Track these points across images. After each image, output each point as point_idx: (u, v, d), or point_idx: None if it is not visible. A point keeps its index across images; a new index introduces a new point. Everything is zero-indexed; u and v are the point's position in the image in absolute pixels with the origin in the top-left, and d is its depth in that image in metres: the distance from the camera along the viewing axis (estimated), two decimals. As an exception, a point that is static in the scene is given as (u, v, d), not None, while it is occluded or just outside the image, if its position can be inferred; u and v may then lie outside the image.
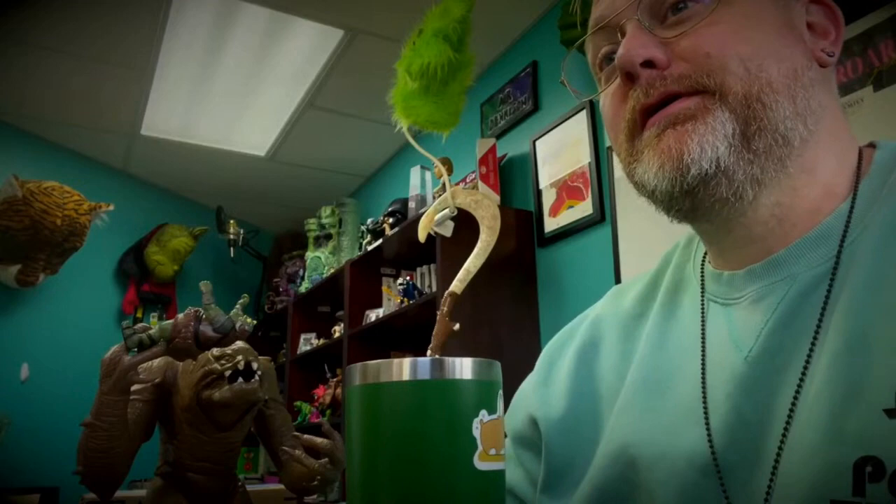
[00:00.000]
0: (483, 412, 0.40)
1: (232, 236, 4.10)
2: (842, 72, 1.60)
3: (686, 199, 0.50)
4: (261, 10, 2.63)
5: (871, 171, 0.52)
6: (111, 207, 3.36)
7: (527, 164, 2.64)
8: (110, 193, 3.59)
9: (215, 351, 1.09)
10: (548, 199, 2.50)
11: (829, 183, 0.52)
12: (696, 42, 0.50)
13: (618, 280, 2.12)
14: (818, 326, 0.47)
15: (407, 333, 3.02)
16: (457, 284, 0.49)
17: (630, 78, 0.51)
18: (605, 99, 0.56)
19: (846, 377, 0.43)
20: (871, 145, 0.54)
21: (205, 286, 1.08)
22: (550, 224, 2.47)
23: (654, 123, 0.51)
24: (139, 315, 4.06)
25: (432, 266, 2.85)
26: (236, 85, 3.17)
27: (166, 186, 4.25)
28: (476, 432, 0.39)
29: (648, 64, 0.50)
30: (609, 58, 0.56)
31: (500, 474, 0.41)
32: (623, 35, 0.53)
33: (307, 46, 2.88)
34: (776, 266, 0.51)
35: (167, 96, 3.26)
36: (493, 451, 0.40)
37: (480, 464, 0.39)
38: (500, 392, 0.42)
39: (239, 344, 1.11)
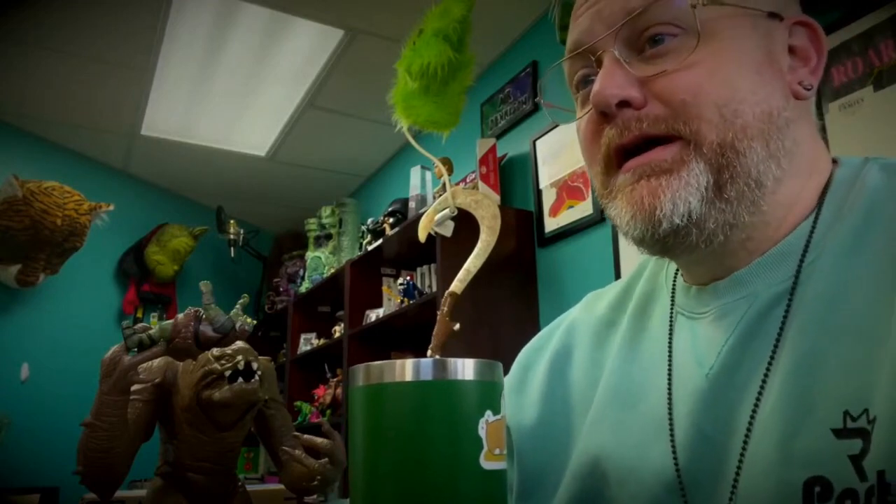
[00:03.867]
0: (488, 412, 0.40)
1: (232, 236, 4.10)
2: (842, 72, 1.60)
3: (656, 245, 0.51)
4: (261, 10, 2.62)
5: (833, 189, 0.52)
6: (111, 207, 3.36)
7: (527, 164, 2.64)
8: (110, 193, 3.59)
9: (215, 351, 1.09)
10: (548, 198, 2.50)
11: (800, 206, 0.52)
12: (673, 84, 0.48)
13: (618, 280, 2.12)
14: (775, 346, 0.47)
15: (407, 333, 3.01)
16: (457, 284, 0.49)
17: (605, 116, 0.51)
18: (581, 125, 0.55)
19: (797, 397, 0.44)
20: (833, 161, 0.54)
21: (205, 286, 1.08)
22: (550, 224, 2.47)
23: (631, 170, 0.50)
24: (139, 315, 4.06)
25: (432, 266, 2.85)
26: (236, 85, 3.17)
27: (166, 186, 4.24)
28: (482, 432, 0.39)
29: (624, 103, 0.49)
30: (585, 79, 0.55)
31: (503, 474, 0.41)
32: (599, 65, 0.52)
33: (307, 46, 2.88)
34: (738, 284, 0.52)
35: (167, 96, 3.26)
36: (497, 451, 0.40)
37: (486, 463, 0.39)
38: (503, 392, 0.43)
39: (239, 344, 1.11)
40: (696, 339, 0.53)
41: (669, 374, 0.53)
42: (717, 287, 0.53)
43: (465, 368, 0.40)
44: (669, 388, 0.53)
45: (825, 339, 0.45)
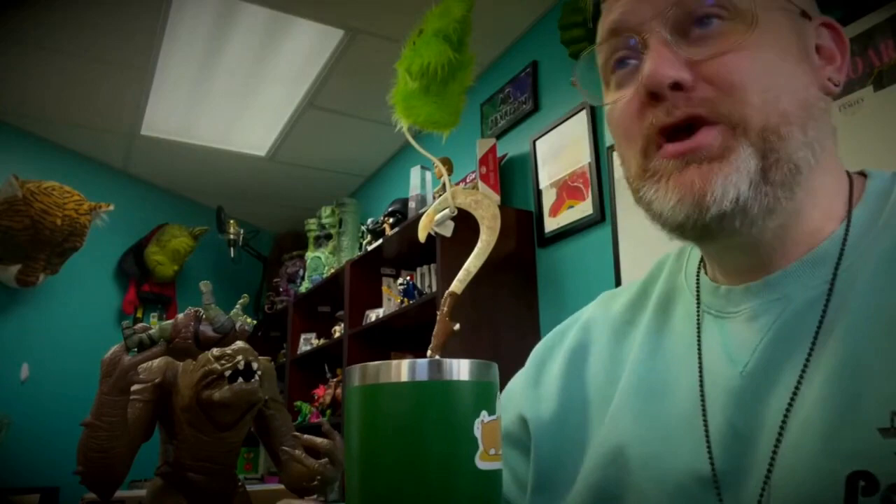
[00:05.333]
0: (484, 413, 0.40)
1: (232, 236, 4.10)
2: (842, 72, 1.60)
3: (697, 230, 0.51)
4: (261, 10, 2.62)
5: (865, 198, 0.54)
6: (111, 207, 3.36)
7: (527, 164, 2.64)
8: (110, 193, 3.59)
9: (215, 351, 1.09)
10: (548, 199, 2.50)
11: (828, 206, 0.53)
12: (723, 68, 0.49)
13: (618, 280, 2.12)
14: (812, 346, 0.48)
15: (407, 333, 3.02)
16: (457, 284, 0.49)
17: (654, 97, 0.51)
18: (619, 106, 0.55)
19: (841, 396, 0.45)
20: (862, 174, 0.57)
21: (205, 286, 1.08)
22: (550, 224, 2.47)
23: (678, 156, 0.50)
24: (139, 315, 4.06)
25: (432, 266, 2.85)
26: (236, 85, 3.17)
27: (166, 186, 4.24)
28: (477, 432, 0.39)
29: (676, 85, 0.50)
30: (622, 61, 0.55)
31: (498, 473, 0.41)
32: (645, 46, 0.52)
33: (307, 46, 2.88)
34: (773, 286, 0.53)
35: (167, 96, 3.26)
36: (492, 451, 0.40)
37: (482, 463, 0.40)
38: (498, 393, 0.43)
39: (239, 344, 1.11)
40: (726, 337, 0.54)
41: (700, 371, 0.54)
42: (750, 288, 0.54)
43: (461, 369, 0.40)
44: (701, 384, 0.53)
45: (868, 344, 0.46)
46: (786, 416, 0.47)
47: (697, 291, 0.59)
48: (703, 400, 0.52)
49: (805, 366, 0.48)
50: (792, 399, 0.47)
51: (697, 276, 0.61)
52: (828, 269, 0.51)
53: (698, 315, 0.58)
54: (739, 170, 0.48)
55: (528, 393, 0.66)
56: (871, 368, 0.45)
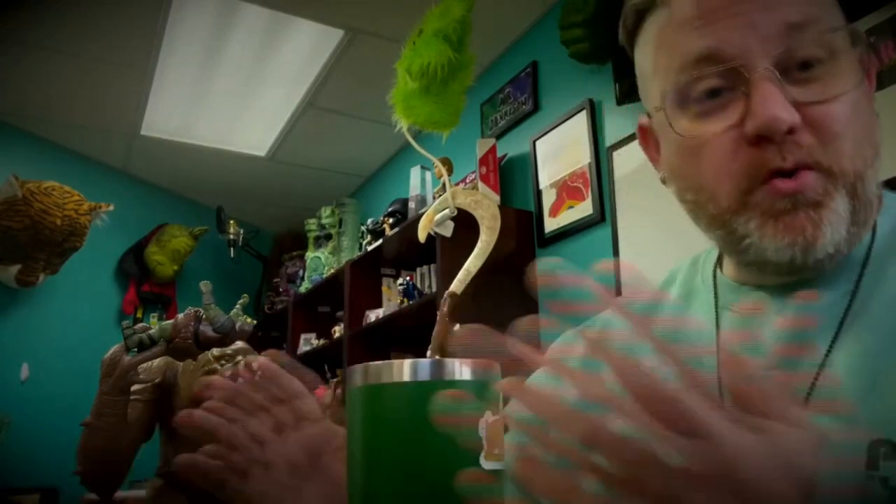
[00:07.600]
0: (488, 412, 0.40)
1: (232, 236, 4.10)
2: (842, 72, 1.60)
3: (792, 270, 0.52)
4: (261, 10, 2.63)
5: (885, 209, 0.56)
6: (111, 207, 3.36)
7: (527, 164, 2.64)
8: (110, 193, 3.59)
9: (215, 351, 1.09)
10: (548, 199, 2.50)
11: None
12: (828, 116, 0.50)
13: (618, 280, 2.12)
14: (835, 336, 0.50)
15: (407, 333, 3.01)
16: (457, 285, 0.49)
17: (764, 139, 0.50)
18: (709, 141, 0.53)
19: (863, 375, 0.47)
20: None
21: (205, 286, 1.09)
22: (550, 224, 2.47)
23: (787, 195, 0.50)
24: (139, 315, 4.06)
25: (432, 266, 2.85)
26: (236, 85, 3.17)
27: (166, 186, 4.24)
28: (482, 432, 0.39)
29: (789, 129, 0.49)
30: (711, 91, 0.53)
31: (502, 473, 0.41)
32: (746, 81, 0.50)
33: (307, 46, 2.88)
34: (799, 288, 0.54)
35: (167, 96, 3.26)
36: (496, 451, 0.40)
37: (486, 463, 0.39)
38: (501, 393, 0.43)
39: (239, 344, 1.12)
40: (747, 330, 0.56)
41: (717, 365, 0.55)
42: (775, 289, 0.56)
43: (464, 369, 0.40)
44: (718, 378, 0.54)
45: (891, 337, 0.48)
46: (809, 393, 0.48)
47: (715, 290, 0.60)
48: (720, 388, 0.53)
49: (828, 353, 0.50)
50: (815, 380, 0.49)
51: (714, 275, 0.62)
52: (854, 272, 0.53)
53: (717, 313, 0.59)
54: (840, 217, 0.50)
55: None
56: (889, 356, 0.46)
